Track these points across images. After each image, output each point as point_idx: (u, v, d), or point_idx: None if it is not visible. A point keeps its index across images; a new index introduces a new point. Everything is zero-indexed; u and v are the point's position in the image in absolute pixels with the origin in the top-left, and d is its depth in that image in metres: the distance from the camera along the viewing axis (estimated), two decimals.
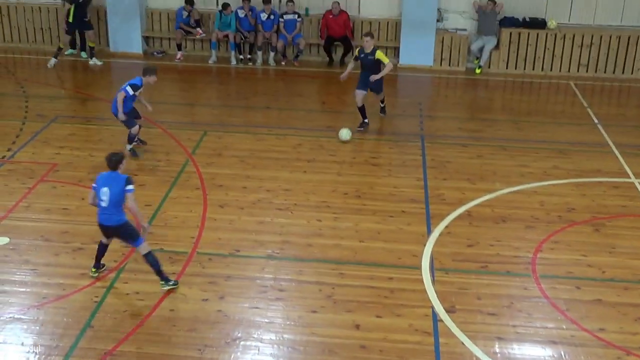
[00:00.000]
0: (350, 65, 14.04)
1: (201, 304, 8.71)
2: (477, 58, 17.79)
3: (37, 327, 8.31)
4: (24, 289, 8.99)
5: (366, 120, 13.85)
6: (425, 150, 12.98)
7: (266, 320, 8.47)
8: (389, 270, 9.40)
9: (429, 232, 10.25)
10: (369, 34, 13.65)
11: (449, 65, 17.94)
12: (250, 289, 9.01)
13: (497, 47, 17.70)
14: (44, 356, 7.85)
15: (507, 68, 17.77)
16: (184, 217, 10.57)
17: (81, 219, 10.44)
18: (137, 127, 12.33)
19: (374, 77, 13.46)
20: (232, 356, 7.91)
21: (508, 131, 14.11)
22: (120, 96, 11.95)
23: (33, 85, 16.36)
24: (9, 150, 12.66)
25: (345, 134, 13.19)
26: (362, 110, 13.77)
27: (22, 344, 8.05)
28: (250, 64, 18.09)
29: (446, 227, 10.41)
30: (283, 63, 18.13)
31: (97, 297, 8.77)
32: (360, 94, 13.68)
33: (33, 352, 7.92)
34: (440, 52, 17.84)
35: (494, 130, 14.20)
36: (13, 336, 8.19)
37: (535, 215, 10.77)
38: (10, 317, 8.46)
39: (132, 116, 12.28)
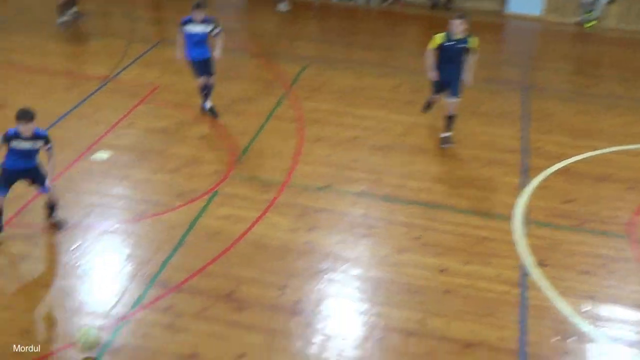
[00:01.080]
0: (430, 57, 10.41)
1: (291, 233, 8.82)
2: (590, 11, 17.10)
3: (133, 240, 8.60)
4: (122, 203, 9.29)
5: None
6: (527, 101, 12.65)
7: (353, 256, 8.52)
8: (480, 218, 9.28)
9: (525, 184, 10.05)
10: (461, 15, 10.28)
11: (560, 15, 17.31)
12: (340, 224, 9.06)
13: (612, 0, 16.96)
14: (138, 267, 8.14)
15: (621, 24, 17.03)
16: (279, 148, 10.65)
17: (178, 140, 10.65)
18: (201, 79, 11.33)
19: (469, 78, 10.49)
20: (317, 287, 8.01)
21: (617, 89, 13.58)
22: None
23: (140, 7, 16.64)
24: (114, 69, 12.96)
25: None
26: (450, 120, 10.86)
27: (118, 255, 8.36)
28: (353, 1, 17.89)
29: (543, 180, 10.17)
30: (387, 3, 17.85)
31: (191, 217, 8.98)
32: (450, 103, 10.67)
33: (129, 262, 8.22)
34: (550, 2, 17.21)
35: (602, 86, 13.69)
36: (111, 247, 8.50)
37: (638, 178, 10.40)
38: (109, 229, 8.77)
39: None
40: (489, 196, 9.76)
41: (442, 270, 8.32)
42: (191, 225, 8.83)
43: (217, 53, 11.02)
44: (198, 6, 10.83)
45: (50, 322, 7.39)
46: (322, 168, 10.20)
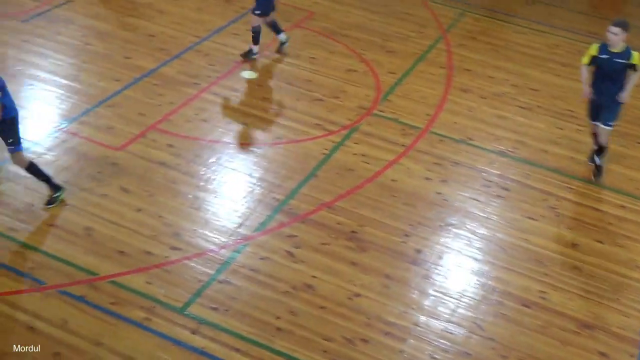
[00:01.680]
0: (584, 72, 8.67)
1: (423, 182, 8.70)
2: None
3: (266, 163, 8.72)
4: (261, 125, 9.41)
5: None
6: None
7: (483, 215, 8.33)
8: (622, 197, 8.84)
9: None
10: (621, 23, 8.41)
11: None
12: (475, 180, 8.86)
13: None
14: (267, 191, 8.27)
15: None
16: (425, 93, 10.44)
17: (325, 70, 10.63)
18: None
19: (624, 96, 8.59)
20: (442, 240, 7.91)
21: None
22: None
23: None
24: None
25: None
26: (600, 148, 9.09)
27: (250, 175, 8.51)
28: None
29: None
30: None
31: (326, 149, 9.00)
32: (599, 129, 8.93)
33: (258, 185, 8.36)
34: None
35: None
36: (243, 166, 8.66)
37: None
38: (244, 148, 8.93)
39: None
40: (636, 176, 9.27)
41: (573, 245, 8.02)
42: (325, 158, 8.86)
43: None
44: None
45: (178, 230, 7.64)
46: (465, 120, 9.95)
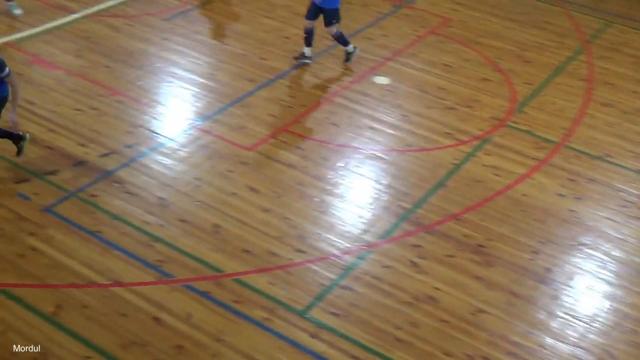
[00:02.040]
0: None
1: (556, 198, 8.38)
2: None
3: (394, 170, 8.63)
4: (391, 132, 9.32)
5: None
6: None
7: (619, 236, 7.93)
8: None
9: None
10: None
11: None
12: (611, 199, 8.45)
13: None
14: (394, 199, 8.18)
15: None
16: (562, 105, 10.06)
17: (458, 78, 10.42)
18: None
19: None
20: (573, 260, 7.58)
21: None
22: None
23: None
24: None
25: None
26: None
27: (377, 182, 8.44)
28: None
29: None
30: None
31: (456, 159, 8.82)
32: None
33: (385, 192, 8.28)
34: None
35: None
36: (371, 172, 8.61)
37: None
38: (373, 154, 8.87)
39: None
40: None
41: None
42: (455, 169, 8.68)
43: None
44: None
45: (303, 232, 7.67)
46: (604, 136, 9.51)
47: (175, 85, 9.88)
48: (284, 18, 11.72)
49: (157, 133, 8.92)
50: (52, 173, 8.10)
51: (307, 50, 10.51)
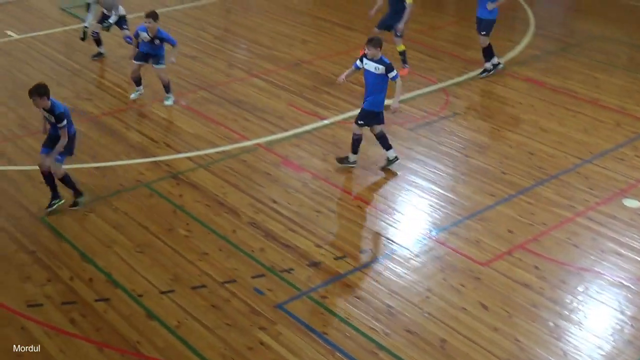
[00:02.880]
0: None
1: None
2: None
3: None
4: (633, 258, 8.66)
5: None
6: None
7: None
8: None
9: None
10: None
11: None
12: None
13: None
14: (639, 332, 7.49)
15: None
16: None
17: None
18: None
19: None
20: None
21: None
22: None
23: None
24: None
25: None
26: None
27: (621, 312, 7.80)
28: None
29: None
30: None
31: None
32: None
33: (629, 324, 7.63)
34: None
35: None
36: (614, 300, 7.98)
37: None
38: (618, 282, 8.25)
39: None
40: None
41: None
42: None
43: None
44: None
45: (533, 358, 7.21)
46: None
47: (414, 194, 9.93)
48: (529, 133, 11.50)
49: (391, 240, 8.95)
50: (288, 271, 8.35)
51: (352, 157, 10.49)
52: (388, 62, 9.84)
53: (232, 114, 11.61)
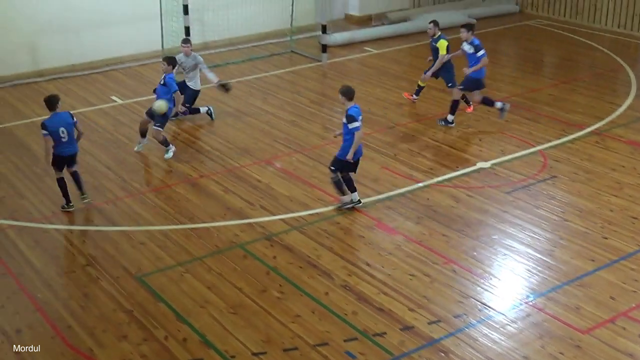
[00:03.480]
0: None
1: None
2: None
3: None
4: None
5: None
6: None
7: None
8: None
9: None
10: None
11: None
12: None
13: None
14: None
15: None
16: None
17: None
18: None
19: None
20: None
21: None
22: None
23: None
24: None
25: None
26: None
27: None
28: None
29: None
30: None
31: None
32: None
33: None
34: None
35: None
36: None
37: None
38: None
39: None
40: None
41: None
42: None
43: None
44: None
45: None
46: None
47: (510, 259, 9.68)
48: (632, 197, 11.11)
49: (487, 305, 8.72)
50: (381, 335, 8.23)
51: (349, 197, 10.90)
52: None
53: (326, 176, 11.68)
